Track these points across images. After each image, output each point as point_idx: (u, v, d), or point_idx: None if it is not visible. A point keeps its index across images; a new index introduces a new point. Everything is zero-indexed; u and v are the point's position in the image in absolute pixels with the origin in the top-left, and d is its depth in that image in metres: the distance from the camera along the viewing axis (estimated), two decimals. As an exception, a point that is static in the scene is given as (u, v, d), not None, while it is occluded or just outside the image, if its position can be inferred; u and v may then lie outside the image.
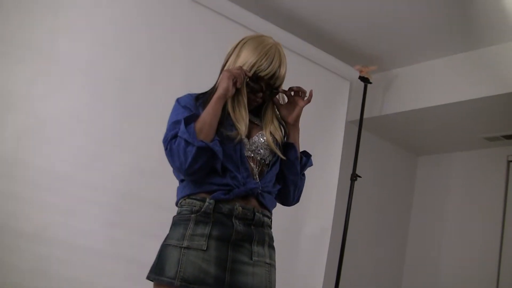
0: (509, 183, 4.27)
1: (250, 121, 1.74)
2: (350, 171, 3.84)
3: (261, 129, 1.78)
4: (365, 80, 3.98)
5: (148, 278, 1.60)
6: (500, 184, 4.28)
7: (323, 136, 3.75)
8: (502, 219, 4.18)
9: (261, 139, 1.74)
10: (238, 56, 1.77)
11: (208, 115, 1.61)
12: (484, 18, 3.35)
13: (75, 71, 2.76)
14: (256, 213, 1.65)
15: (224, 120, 1.67)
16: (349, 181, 3.82)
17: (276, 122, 1.83)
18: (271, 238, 1.72)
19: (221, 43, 3.31)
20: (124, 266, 2.70)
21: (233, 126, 1.68)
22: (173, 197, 2.91)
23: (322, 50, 3.78)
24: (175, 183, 1.82)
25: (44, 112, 2.65)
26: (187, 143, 1.56)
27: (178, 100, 1.76)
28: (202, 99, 1.75)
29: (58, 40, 2.73)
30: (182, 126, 1.58)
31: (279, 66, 1.73)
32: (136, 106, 2.93)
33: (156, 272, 1.57)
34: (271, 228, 1.74)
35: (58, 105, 2.69)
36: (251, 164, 1.70)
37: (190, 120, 1.60)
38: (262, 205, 1.69)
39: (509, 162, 4.32)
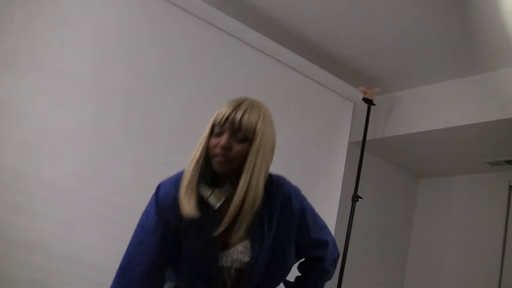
0: (510, 207, 4.25)
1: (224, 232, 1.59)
2: (352, 192, 3.84)
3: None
4: (368, 101, 4.00)
5: None
6: (502, 209, 4.27)
7: (325, 156, 3.75)
8: (503, 244, 4.15)
9: (238, 250, 1.64)
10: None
11: None
12: (488, 43, 3.38)
13: (79, 85, 2.78)
14: None
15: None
16: (350, 202, 3.82)
17: (244, 226, 1.58)
18: None
19: (226, 60, 3.37)
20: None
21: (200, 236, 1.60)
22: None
23: (326, 70, 3.80)
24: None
25: (47, 126, 2.66)
26: None
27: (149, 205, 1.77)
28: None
29: (63, 54, 2.75)
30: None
31: (235, 109, 1.52)
32: (139, 121, 2.94)
33: None
34: None
35: (62, 118, 2.70)
36: (225, 273, 1.64)
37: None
38: None
39: (511, 186, 4.31)
